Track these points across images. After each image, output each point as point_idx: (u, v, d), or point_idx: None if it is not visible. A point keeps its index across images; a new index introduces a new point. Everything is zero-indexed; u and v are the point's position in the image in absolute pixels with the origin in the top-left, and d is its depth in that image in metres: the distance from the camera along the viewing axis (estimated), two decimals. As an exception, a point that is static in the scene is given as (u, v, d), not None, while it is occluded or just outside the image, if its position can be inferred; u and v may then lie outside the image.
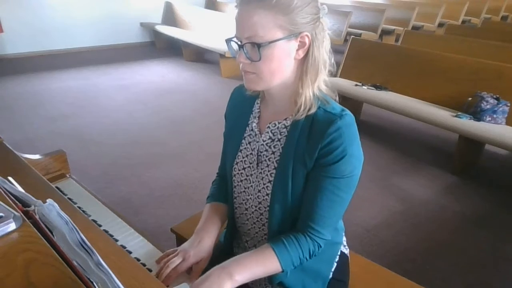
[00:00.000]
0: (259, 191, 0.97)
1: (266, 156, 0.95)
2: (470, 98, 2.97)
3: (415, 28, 6.90)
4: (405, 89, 3.44)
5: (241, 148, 1.00)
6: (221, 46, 5.05)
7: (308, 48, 0.84)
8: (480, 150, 3.07)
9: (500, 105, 2.80)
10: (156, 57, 6.17)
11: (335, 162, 0.84)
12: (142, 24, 6.85)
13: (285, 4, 0.78)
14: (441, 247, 2.17)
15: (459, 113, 2.93)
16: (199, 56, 6.10)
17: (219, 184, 1.13)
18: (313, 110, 0.87)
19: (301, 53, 0.84)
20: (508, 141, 2.55)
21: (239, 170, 1.01)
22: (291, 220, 0.94)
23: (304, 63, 0.86)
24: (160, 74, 5.31)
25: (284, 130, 0.92)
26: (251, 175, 0.98)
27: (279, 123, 0.93)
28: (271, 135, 0.94)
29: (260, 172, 0.96)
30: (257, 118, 0.98)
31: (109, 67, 5.49)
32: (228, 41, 0.87)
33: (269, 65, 0.83)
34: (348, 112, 0.87)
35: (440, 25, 7.16)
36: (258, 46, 0.80)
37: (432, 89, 3.29)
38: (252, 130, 0.98)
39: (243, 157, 1.00)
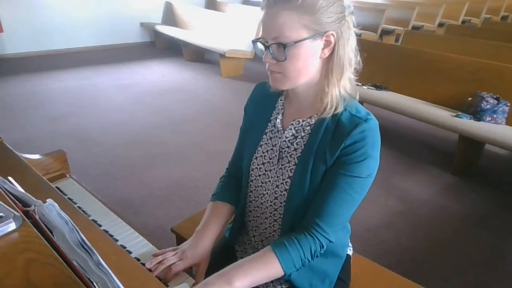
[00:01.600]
0: (277, 186, 0.97)
1: (288, 153, 0.95)
2: (470, 98, 2.97)
3: (415, 28, 6.90)
4: (405, 89, 3.44)
5: (261, 143, 1.01)
6: (221, 46, 5.06)
7: (334, 47, 0.85)
8: (480, 150, 3.07)
9: (500, 105, 2.80)
10: (156, 57, 6.17)
11: (355, 162, 0.85)
12: (142, 24, 6.86)
13: (310, 4, 0.79)
14: (441, 247, 2.17)
15: (459, 113, 2.93)
16: (199, 56, 6.10)
17: (226, 182, 1.13)
18: (339, 110, 0.88)
19: (327, 52, 0.85)
20: (508, 141, 2.55)
21: (257, 165, 1.01)
22: (304, 216, 0.94)
23: (330, 62, 0.86)
24: (160, 74, 5.31)
25: (308, 128, 0.92)
26: (270, 170, 0.99)
27: (303, 121, 0.93)
28: (294, 132, 0.94)
29: (280, 168, 0.96)
30: (280, 115, 0.98)
31: (109, 67, 5.50)
32: (254, 42, 0.88)
33: (295, 65, 0.84)
34: (373, 116, 0.88)
35: (440, 25, 7.16)
36: (283, 46, 0.81)
37: (432, 89, 3.29)
38: (274, 126, 0.99)
39: (263, 152, 1.00)
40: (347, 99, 0.89)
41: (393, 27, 6.69)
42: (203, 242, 0.98)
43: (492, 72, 3.00)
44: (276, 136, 0.98)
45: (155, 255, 0.95)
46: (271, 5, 0.81)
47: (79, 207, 1.11)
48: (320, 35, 0.82)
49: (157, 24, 6.54)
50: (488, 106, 2.81)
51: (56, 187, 1.15)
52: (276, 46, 0.82)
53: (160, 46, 6.77)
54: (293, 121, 0.94)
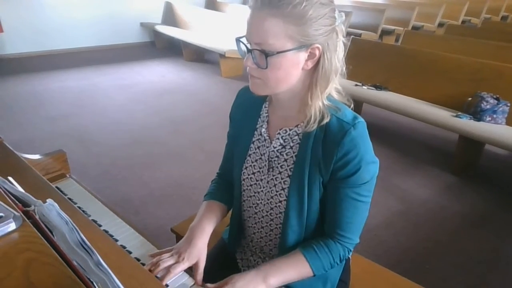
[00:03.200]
0: (272, 197, 0.96)
1: (278, 163, 0.94)
2: (470, 98, 2.97)
3: (415, 28, 6.90)
4: (405, 89, 3.44)
5: (249, 152, 0.99)
6: (221, 46, 5.06)
7: (318, 59, 0.82)
8: (480, 150, 3.07)
9: (500, 105, 2.80)
10: (156, 57, 6.17)
11: (353, 173, 0.84)
12: (142, 24, 6.86)
13: (299, 14, 0.75)
14: (441, 247, 2.17)
15: (459, 113, 2.93)
16: (199, 56, 6.10)
17: (218, 183, 1.12)
18: (326, 120, 0.85)
19: (310, 64, 0.82)
20: (508, 141, 2.55)
21: (248, 175, 1.00)
22: (305, 227, 0.94)
23: (314, 75, 0.83)
24: (160, 74, 5.31)
25: (296, 137, 0.91)
26: (261, 180, 0.98)
27: (290, 130, 0.91)
28: (282, 141, 0.92)
29: (272, 179, 0.95)
30: (266, 123, 0.96)
31: (109, 67, 5.50)
32: (237, 40, 0.85)
33: (276, 74, 0.81)
34: (360, 119, 0.85)
35: (440, 25, 7.17)
36: (265, 54, 0.78)
37: (432, 89, 3.29)
38: (261, 135, 0.97)
39: (252, 162, 0.99)
40: (332, 106, 0.86)
41: (393, 27, 6.69)
42: (198, 240, 0.96)
43: (492, 72, 3.00)
44: (264, 145, 0.96)
45: (152, 256, 0.94)
46: (258, 8, 0.77)
47: (79, 207, 1.11)
48: (305, 47, 0.78)
49: (157, 24, 6.54)
50: (488, 106, 2.81)
51: (56, 187, 1.15)
52: (258, 53, 0.79)
53: (160, 46, 6.77)
54: (280, 130, 0.92)
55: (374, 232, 2.24)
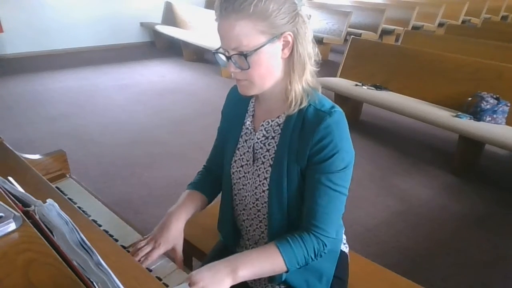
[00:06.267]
0: (256, 187, 0.98)
1: (261, 154, 0.97)
2: (470, 98, 2.97)
3: (415, 28, 6.90)
4: (405, 89, 3.44)
5: (238, 146, 1.02)
6: (221, 46, 5.05)
7: (293, 45, 0.85)
8: (480, 150, 3.07)
9: (500, 105, 2.80)
10: (156, 57, 6.17)
11: (328, 158, 0.86)
12: (142, 24, 6.86)
13: (262, 10, 0.79)
14: (441, 247, 2.17)
15: (459, 113, 2.93)
16: (199, 56, 6.10)
17: (204, 175, 1.16)
18: (304, 105, 0.89)
19: (287, 52, 0.86)
20: (508, 141, 2.55)
21: (237, 168, 1.03)
22: (288, 216, 0.95)
23: (290, 60, 0.87)
24: (160, 74, 5.31)
25: (278, 127, 0.94)
26: (248, 172, 1.01)
27: (272, 121, 0.95)
28: (264, 132, 0.96)
29: (256, 170, 0.98)
30: (251, 117, 1.00)
31: (109, 67, 5.49)
32: (215, 53, 0.90)
33: (259, 70, 0.85)
34: (337, 108, 0.89)
35: (440, 25, 7.17)
36: (244, 55, 0.82)
37: (432, 89, 3.29)
38: (247, 128, 1.01)
39: (240, 155, 1.02)
40: (310, 93, 0.90)
41: (393, 27, 6.69)
42: (174, 225, 0.98)
43: (492, 72, 3.00)
44: (250, 138, 1.00)
45: (132, 253, 0.95)
46: (224, 17, 0.81)
47: (79, 207, 1.11)
48: (277, 37, 0.83)
49: (157, 24, 6.54)
50: (488, 106, 2.81)
51: (56, 187, 1.15)
52: (238, 56, 0.83)
53: (160, 46, 6.77)
54: (263, 121, 0.96)
55: (374, 232, 2.24)
